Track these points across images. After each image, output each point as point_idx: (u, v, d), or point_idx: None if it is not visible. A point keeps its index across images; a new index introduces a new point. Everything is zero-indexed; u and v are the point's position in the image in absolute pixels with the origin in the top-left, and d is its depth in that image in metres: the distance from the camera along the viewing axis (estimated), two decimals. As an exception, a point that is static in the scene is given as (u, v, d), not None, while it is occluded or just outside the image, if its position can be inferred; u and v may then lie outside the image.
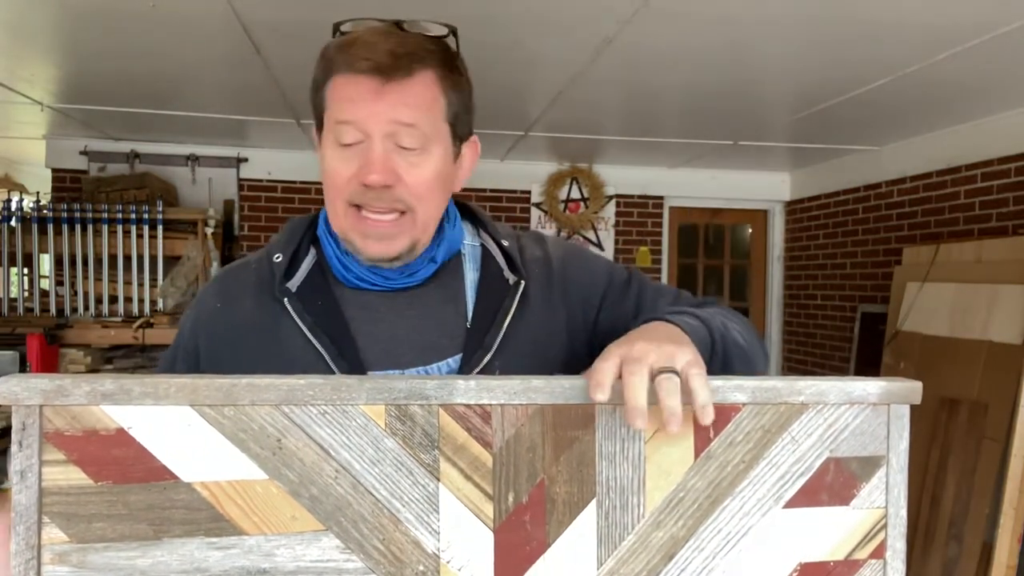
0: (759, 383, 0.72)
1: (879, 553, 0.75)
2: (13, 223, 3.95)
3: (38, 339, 3.35)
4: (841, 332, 4.53)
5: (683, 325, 0.79)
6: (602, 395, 0.67)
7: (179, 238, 4.07)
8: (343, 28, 0.90)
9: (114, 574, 0.65)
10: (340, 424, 0.68)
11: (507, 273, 0.96)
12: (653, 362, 0.69)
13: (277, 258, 0.94)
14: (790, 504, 0.73)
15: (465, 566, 0.69)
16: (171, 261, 4.03)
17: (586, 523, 0.71)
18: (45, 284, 4.14)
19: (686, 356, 0.71)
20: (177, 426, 0.66)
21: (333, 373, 0.88)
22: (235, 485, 0.67)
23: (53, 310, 3.86)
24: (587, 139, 4.16)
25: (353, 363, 0.89)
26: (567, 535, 0.71)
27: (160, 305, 3.92)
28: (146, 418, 0.66)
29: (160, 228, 4.01)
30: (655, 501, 0.71)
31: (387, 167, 0.85)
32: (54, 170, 4.48)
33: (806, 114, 3.42)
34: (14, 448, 0.64)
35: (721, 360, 0.83)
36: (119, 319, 3.86)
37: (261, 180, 4.66)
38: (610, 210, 5.02)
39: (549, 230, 4.93)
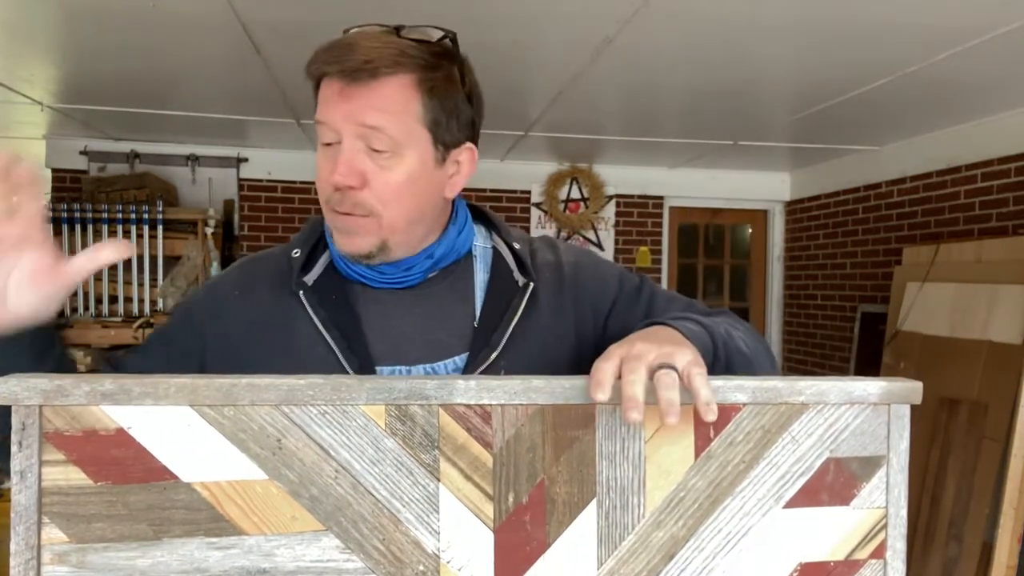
0: (759, 383, 0.72)
1: (879, 553, 0.75)
2: (13, 223, 3.94)
3: (38, 339, 3.34)
4: (841, 332, 4.53)
5: (684, 330, 0.79)
6: (602, 394, 0.67)
7: (179, 238, 4.08)
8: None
9: (114, 574, 0.65)
10: (340, 424, 0.68)
11: (517, 275, 0.97)
12: (652, 361, 0.69)
13: (295, 253, 0.96)
14: (790, 504, 0.73)
15: (465, 566, 0.69)
16: (171, 261, 4.03)
17: (586, 523, 0.71)
18: (45, 284, 4.13)
19: (686, 356, 0.71)
20: (177, 426, 0.66)
21: (343, 367, 0.89)
22: (235, 485, 0.67)
23: (53, 310, 3.85)
24: (587, 139, 4.16)
25: (363, 358, 0.90)
26: (567, 535, 0.71)
27: (160, 305, 3.92)
28: (146, 418, 0.66)
29: (160, 228, 4.01)
30: (655, 501, 0.71)
31: (351, 168, 0.86)
32: (54, 170, 4.48)
33: (806, 114, 3.42)
34: (14, 448, 0.64)
35: (724, 366, 0.83)
36: (119, 319, 3.86)
37: (261, 180, 4.66)
38: (610, 210, 5.02)
39: (549, 230, 4.93)
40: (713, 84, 2.99)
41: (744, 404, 0.72)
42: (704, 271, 5.42)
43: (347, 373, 0.89)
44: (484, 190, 4.77)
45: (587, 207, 4.94)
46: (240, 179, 4.62)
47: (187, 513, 0.66)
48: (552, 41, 2.51)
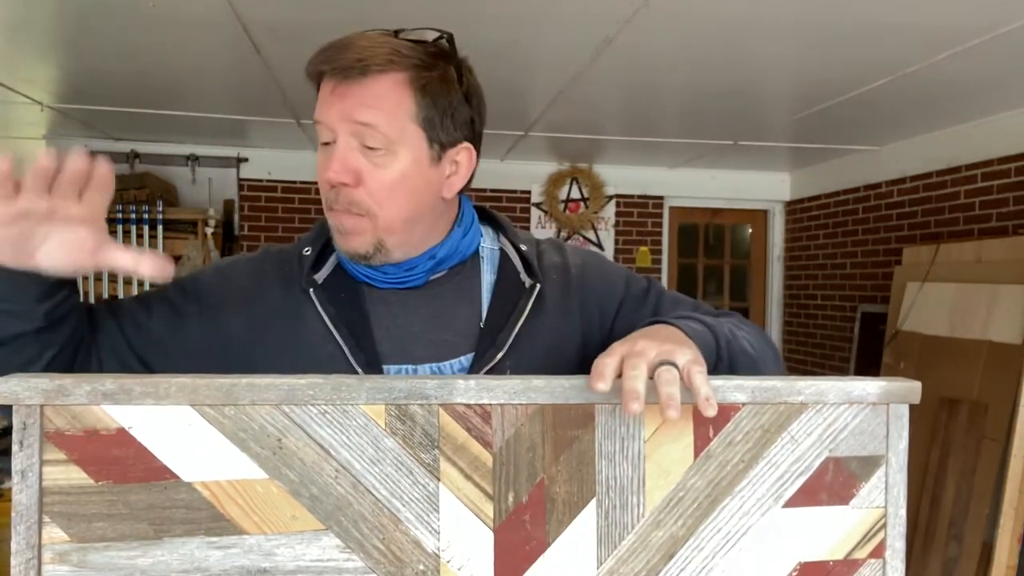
0: (759, 383, 0.73)
1: (878, 553, 0.75)
2: (13, 223, 3.94)
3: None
4: (841, 332, 4.53)
5: (686, 328, 0.79)
6: (603, 385, 0.68)
7: (179, 238, 4.08)
8: None
9: (114, 574, 0.66)
10: (340, 424, 0.68)
11: (523, 276, 0.98)
12: (653, 358, 0.70)
13: (306, 251, 0.97)
14: (789, 503, 0.73)
15: (465, 566, 0.69)
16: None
17: (586, 523, 0.71)
18: (45, 284, 4.14)
19: (687, 355, 0.71)
20: (177, 426, 0.66)
21: (351, 364, 0.90)
22: (235, 485, 0.67)
23: (53, 310, 3.85)
24: (587, 139, 4.16)
25: (370, 355, 0.91)
26: (567, 535, 0.71)
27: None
28: (146, 418, 0.66)
29: (160, 228, 4.01)
30: (655, 500, 0.71)
31: (345, 165, 0.87)
32: (54, 170, 4.47)
33: (806, 114, 3.42)
34: (15, 448, 0.64)
35: (727, 366, 0.83)
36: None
37: (261, 180, 4.66)
38: (610, 210, 5.02)
39: (549, 230, 4.93)
40: (713, 84, 2.99)
41: (743, 404, 0.72)
42: (704, 271, 5.42)
43: (355, 370, 0.89)
44: (484, 190, 4.77)
45: (587, 207, 4.94)
46: (240, 179, 4.62)
47: (188, 512, 0.66)
48: (552, 41, 2.51)
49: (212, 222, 4.13)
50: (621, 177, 4.97)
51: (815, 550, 0.74)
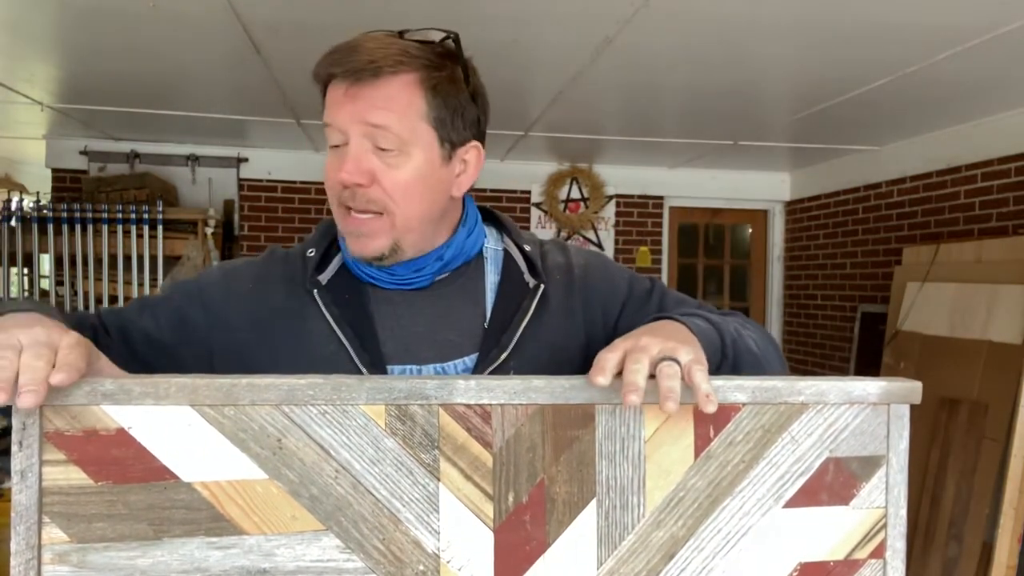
0: (759, 383, 0.73)
1: (879, 553, 0.75)
2: (13, 223, 3.95)
3: (38, 339, 3.33)
4: (841, 332, 4.53)
5: (691, 325, 0.80)
6: (603, 379, 0.68)
7: (179, 238, 4.07)
8: None
9: (114, 574, 0.65)
10: (340, 424, 0.68)
11: (527, 277, 0.98)
12: (655, 354, 0.70)
13: (310, 253, 0.98)
14: (790, 504, 0.73)
15: (465, 566, 0.69)
16: (171, 261, 4.03)
17: (586, 523, 0.71)
18: (45, 284, 4.14)
19: (689, 354, 0.71)
20: (177, 426, 0.66)
21: (355, 364, 0.90)
22: (235, 485, 0.67)
23: (53, 310, 3.85)
24: (587, 139, 4.16)
25: (374, 356, 0.91)
26: (567, 535, 0.71)
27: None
28: (146, 418, 0.66)
29: (160, 228, 4.01)
30: (655, 501, 0.71)
31: (359, 167, 0.87)
32: (54, 170, 4.48)
33: (806, 114, 3.42)
34: (14, 448, 0.64)
35: (732, 364, 0.83)
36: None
37: (261, 180, 4.66)
38: (610, 210, 5.02)
39: (549, 230, 4.93)
40: (713, 84, 2.99)
41: (744, 404, 0.72)
42: (704, 271, 5.41)
43: (359, 371, 0.89)
44: (484, 190, 4.77)
45: (587, 207, 4.94)
46: (240, 179, 4.61)
47: (187, 513, 0.66)
48: (552, 41, 2.51)
49: (212, 222, 4.12)
50: (621, 177, 4.96)
51: (816, 550, 0.74)
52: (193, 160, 4.49)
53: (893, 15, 2.19)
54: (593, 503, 0.71)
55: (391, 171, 0.88)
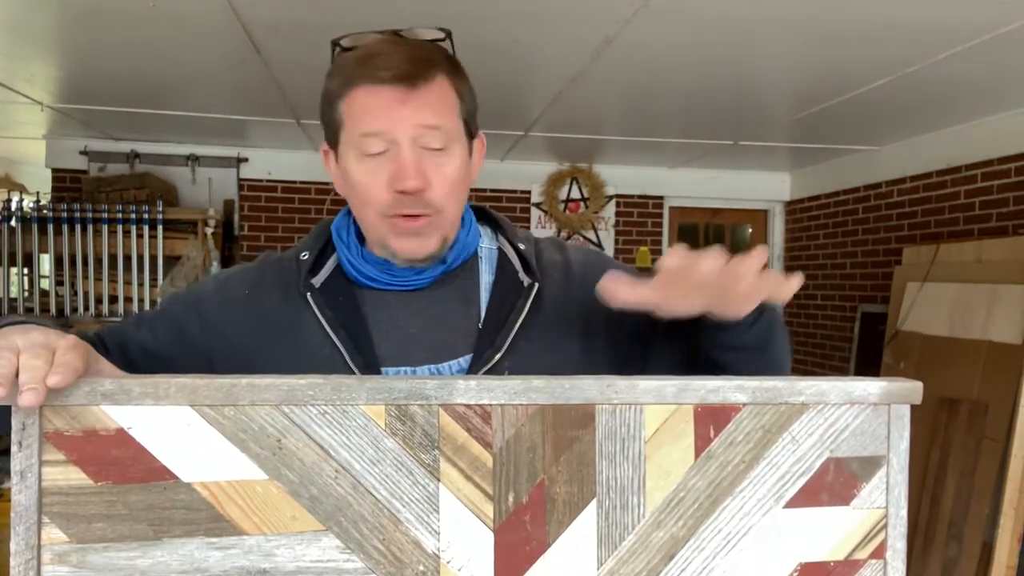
0: (760, 383, 0.72)
1: (879, 553, 0.75)
2: (13, 223, 3.95)
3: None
4: (841, 332, 4.53)
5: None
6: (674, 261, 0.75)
7: (179, 238, 4.08)
8: (343, 43, 0.93)
9: (114, 574, 0.65)
10: (340, 424, 0.68)
11: (522, 275, 0.98)
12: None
13: (304, 256, 0.98)
14: (790, 504, 0.73)
15: (465, 566, 0.69)
16: (171, 261, 4.03)
17: (586, 523, 0.71)
18: (45, 284, 4.14)
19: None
20: (177, 426, 0.66)
21: (349, 367, 0.90)
22: (235, 485, 0.67)
23: (53, 310, 3.87)
24: (587, 139, 4.16)
25: (369, 358, 0.91)
26: (567, 535, 0.71)
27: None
28: (146, 418, 0.66)
29: (160, 228, 4.01)
30: (655, 501, 0.71)
31: (420, 172, 0.87)
32: (54, 170, 4.48)
33: (806, 114, 3.42)
34: (14, 448, 0.64)
35: (767, 327, 0.87)
36: (119, 319, 3.86)
37: (261, 180, 4.66)
38: (610, 210, 5.02)
39: (549, 230, 4.93)
40: (713, 84, 2.99)
41: (744, 404, 0.72)
42: (704, 271, 5.41)
43: (353, 373, 0.89)
44: (484, 190, 4.77)
45: (587, 207, 4.94)
46: (240, 179, 4.61)
47: (187, 513, 0.66)
48: (552, 41, 2.50)
49: (212, 222, 4.13)
50: (621, 177, 4.97)
51: (816, 551, 0.74)
52: (193, 160, 4.49)
53: (893, 15, 2.19)
54: (593, 503, 0.71)
55: (440, 170, 0.89)
